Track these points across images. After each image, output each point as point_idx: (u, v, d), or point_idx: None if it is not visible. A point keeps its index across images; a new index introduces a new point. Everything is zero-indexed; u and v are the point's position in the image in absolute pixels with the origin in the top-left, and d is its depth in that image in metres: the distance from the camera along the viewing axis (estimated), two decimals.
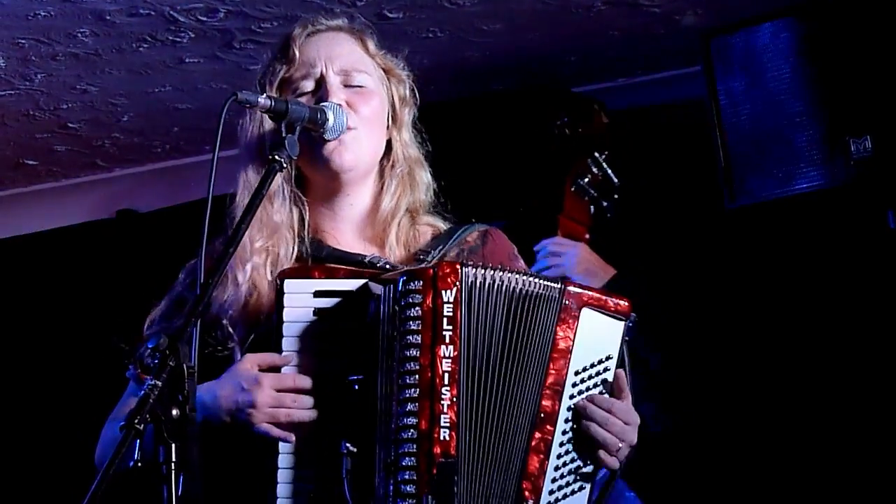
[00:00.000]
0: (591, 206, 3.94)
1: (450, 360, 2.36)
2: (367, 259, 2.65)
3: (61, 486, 5.57)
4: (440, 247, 2.71)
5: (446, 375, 2.35)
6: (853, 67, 4.28)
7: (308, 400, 2.42)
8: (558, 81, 5.07)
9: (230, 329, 2.59)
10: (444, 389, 2.35)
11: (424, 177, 2.83)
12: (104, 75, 5.07)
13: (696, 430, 4.72)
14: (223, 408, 2.43)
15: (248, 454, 2.47)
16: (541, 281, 2.48)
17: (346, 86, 2.70)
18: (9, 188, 6.36)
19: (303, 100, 2.66)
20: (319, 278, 2.49)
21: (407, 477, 2.33)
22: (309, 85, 2.70)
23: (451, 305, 2.38)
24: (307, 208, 2.74)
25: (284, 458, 2.42)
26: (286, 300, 2.47)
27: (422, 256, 2.68)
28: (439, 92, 5.09)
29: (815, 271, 4.64)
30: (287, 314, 2.47)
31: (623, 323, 2.53)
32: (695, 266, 4.84)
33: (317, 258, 2.67)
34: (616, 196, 3.89)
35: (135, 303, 2.73)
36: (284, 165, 2.45)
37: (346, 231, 2.75)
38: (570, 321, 2.48)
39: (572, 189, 3.89)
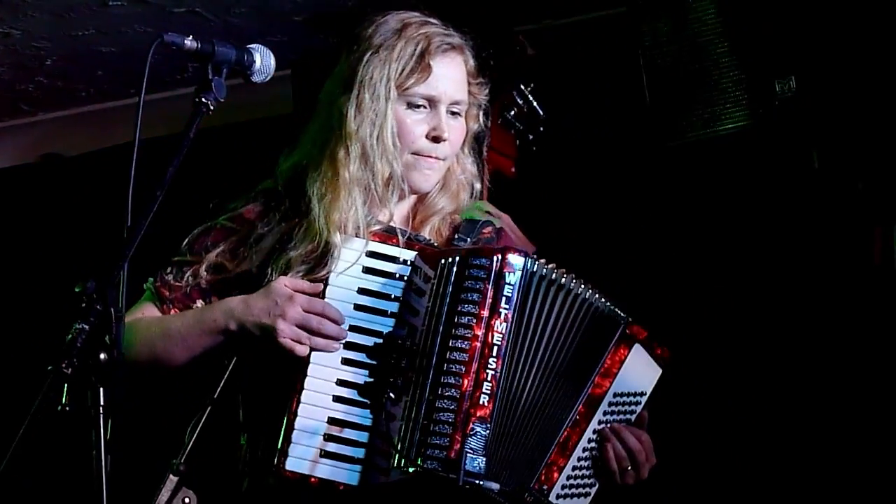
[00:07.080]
0: (517, 139, 3.91)
1: (501, 335, 2.51)
2: (416, 236, 2.75)
3: None
4: (469, 235, 2.83)
5: (495, 348, 2.51)
6: (777, 8, 4.31)
7: (332, 328, 2.55)
8: (484, 25, 5.06)
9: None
10: (491, 360, 2.50)
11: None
12: (27, 18, 5.00)
13: None
14: (252, 318, 2.57)
15: (275, 371, 2.59)
16: (608, 304, 2.70)
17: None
18: None
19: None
20: (374, 240, 2.65)
21: (440, 430, 2.47)
22: None
23: (512, 287, 2.53)
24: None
25: (311, 381, 2.55)
26: (342, 254, 2.62)
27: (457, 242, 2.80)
28: None
29: (741, 211, 4.67)
30: (339, 266, 2.61)
31: (661, 371, 2.78)
32: (620, 204, 4.88)
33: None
34: (542, 129, 3.87)
35: (59, 247, 2.72)
36: (212, 108, 2.45)
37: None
38: (623, 350, 2.71)
39: (498, 122, 3.85)
